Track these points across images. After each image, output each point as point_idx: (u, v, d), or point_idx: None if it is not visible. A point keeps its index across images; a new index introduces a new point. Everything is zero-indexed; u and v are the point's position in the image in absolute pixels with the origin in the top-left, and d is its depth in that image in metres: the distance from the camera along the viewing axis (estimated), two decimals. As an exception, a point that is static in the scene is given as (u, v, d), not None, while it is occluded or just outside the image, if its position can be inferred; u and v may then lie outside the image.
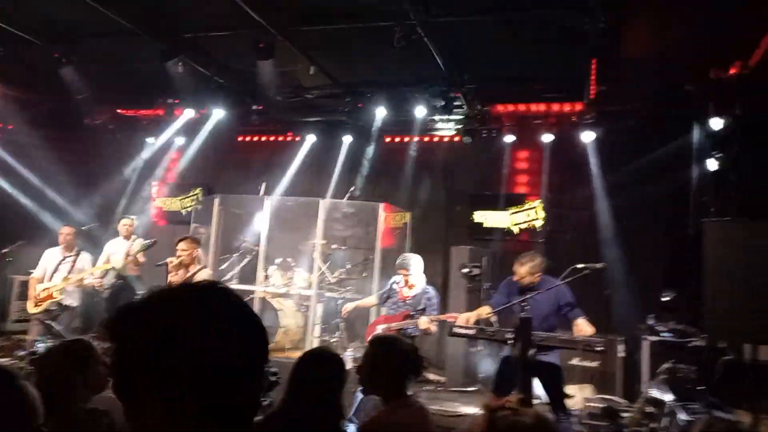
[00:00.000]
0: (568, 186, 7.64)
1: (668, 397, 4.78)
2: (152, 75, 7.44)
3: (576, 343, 4.15)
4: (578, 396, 6.41)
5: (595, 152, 7.31)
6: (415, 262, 5.50)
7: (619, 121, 6.87)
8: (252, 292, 7.32)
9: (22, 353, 5.62)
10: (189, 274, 5.59)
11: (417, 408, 2.70)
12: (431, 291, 5.60)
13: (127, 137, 9.18)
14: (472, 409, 6.01)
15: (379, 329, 5.50)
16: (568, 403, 5.66)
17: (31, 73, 7.59)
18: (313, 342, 6.93)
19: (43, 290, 6.15)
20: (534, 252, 4.93)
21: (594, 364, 6.67)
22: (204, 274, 5.58)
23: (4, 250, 6.49)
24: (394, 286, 5.62)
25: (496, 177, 8.00)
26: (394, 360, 2.72)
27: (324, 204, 7.26)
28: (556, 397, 4.84)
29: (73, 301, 6.31)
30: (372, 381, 2.80)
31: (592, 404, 5.85)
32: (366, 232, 7.30)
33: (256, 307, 7.03)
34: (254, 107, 7.86)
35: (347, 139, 8.24)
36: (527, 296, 4.56)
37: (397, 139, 8.48)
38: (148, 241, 7.08)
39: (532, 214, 7.79)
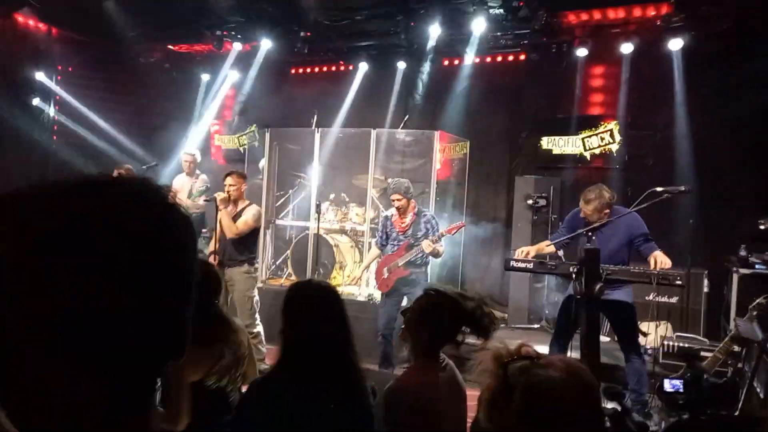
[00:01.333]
0: (650, 105, 6.77)
1: (760, 334, 4.19)
2: (197, 6, 7.20)
3: (651, 277, 3.63)
4: (654, 334, 5.91)
5: (682, 64, 6.37)
6: (407, 186, 5.19)
7: (712, 25, 5.88)
8: (306, 228, 7.17)
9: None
10: (238, 209, 5.48)
11: (449, 372, 2.37)
12: (428, 213, 5.37)
13: (183, 74, 9.09)
14: (536, 347, 5.65)
15: (386, 272, 5.30)
16: (642, 341, 5.20)
17: (81, 15, 7.53)
18: (369, 280, 6.74)
19: None
20: (601, 185, 4.36)
21: (673, 300, 6.09)
22: (253, 210, 5.45)
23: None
24: (388, 224, 5.38)
25: (566, 98, 7.23)
26: (448, 320, 2.39)
27: (376, 134, 6.85)
28: (628, 336, 4.41)
29: None
30: (414, 335, 2.45)
31: (669, 343, 5.32)
32: (422, 163, 6.87)
33: (311, 243, 6.90)
34: (302, 34, 7.42)
35: (401, 65, 7.69)
36: (591, 227, 4.05)
37: (455, 62, 7.82)
38: (204, 188, 7.08)
39: (607, 138, 7.03)
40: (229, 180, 5.47)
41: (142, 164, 8.42)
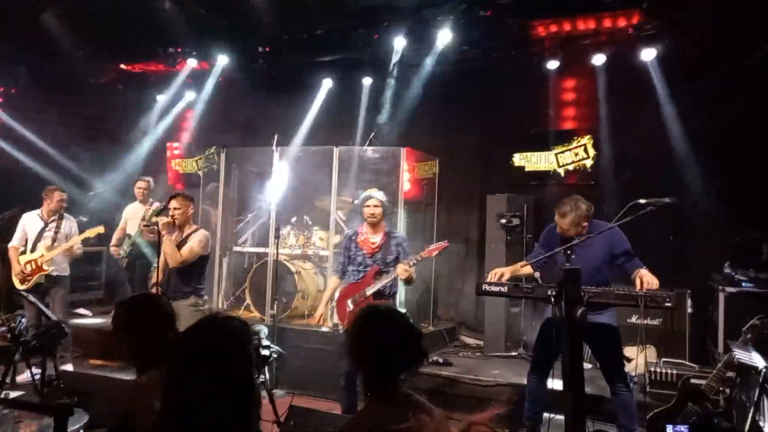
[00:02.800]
0: (626, 117, 6.48)
1: (760, 362, 3.81)
2: (148, 22, 6.77)
3: (638, 299, 3.22)
4: (638, 360, 5.52)
5: (658, 73, 6.13)
6: (386, 203, 4.63)
7: (686, 31, 5.66)
8: (266, 254, 6.65)
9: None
10: (184, 235, 4.96)
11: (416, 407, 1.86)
12: (399, 234, 4.70)
13: (136, 95, 8.60)
14: (513, 378, 5.21)
15: (350, 304, 4.53)
16: (627, 369, 4.79)
17: (22, 31, 7.02)
18: (333, 308, 6.23)
19: (29, 263, 5.55)
20: (576, 197, 3.98)
21: (656, 322, 5.74)
22: (199, 236, 4.92)
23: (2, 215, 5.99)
24: (352, 245, 4.61)
25: (538, 112, 6.93)
26: (385, 339, 1.99)
27: (339, 152, 6.41)
28: (613, 364, 3.98)
29: (62, 270, 5.71)
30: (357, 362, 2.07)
31: (657, 369, 4.93)
32: (390, 182, 6.45)
33: (270, 271, 6.38)
34: (260, 49, 7.03)
35: (366, 81, 7.34)
36: (572, 243, 3.65)
37: (423, 76, 7.47)
38: (159, 205, 6.52)
39: (581, 153, 6.74)
40: (173, 203, 4.95)
41: (89, 191, 7.89)
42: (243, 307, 6.84)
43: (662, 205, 3.51)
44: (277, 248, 6.01)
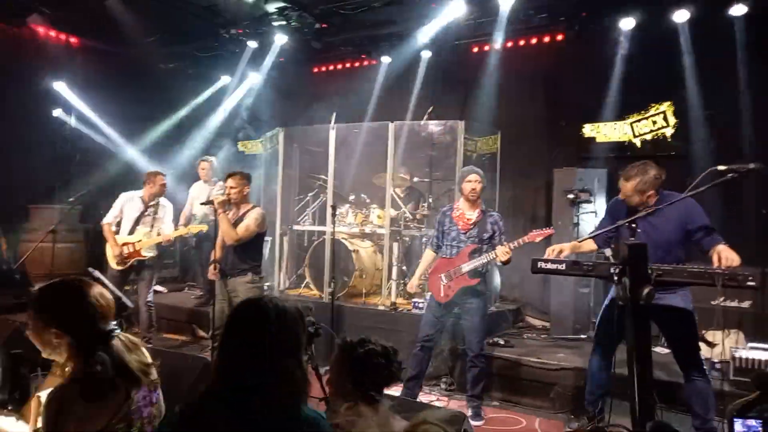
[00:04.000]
0: (710, 81, 5.86)
1: None
2: (208, 5, 6.88)
3: (714, 277, 2.86)
4: (722, 345, 5.02)
5: (744, 32, 5.47)
6: (483, 174, 4.48)
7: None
8: (324, 233, 6.63)
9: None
10: (240, 213, 5.01)
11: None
12: (495, 213, 4.55)
13: (203, 78, 8.81)
14: (580, 362, 4.90)
15: (444, 279, 4.46)
16: (707, 353, 4.37)
17: (94, 21, 7.35)
18: (392, 286, 6.14)
19: (126, 245, 5.56)
20: (647, 161, 3.61)
21: (744, 305, 5.17)
22: (255, 213, 4.95)
23: (70, 199, 6.27)
24: (446, 220, 4.54)
25: (609, 79, 6.40)
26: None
27: (395, 128, 6.23)
28: (686, 350, 3.61)
29: (152, 252, 5.75)
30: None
31: (742, 355, 4.45)
32: (447, 157, 6.21)
33: (327, 249, 6.35)
34: (317, 26, 6.95)
35: (425, 54, 7.08)
36: (636, 216, 3.31)
37: (485, 47, 7.15)
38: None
39: (659, 121, 6.18)
40: (230, 181, 5.01)
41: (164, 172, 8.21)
42: (303, 285, 6.89)
43: (746, 172, 3.07)
44: (334, 226, 5.95)
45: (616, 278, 3.02)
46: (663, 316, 3.47)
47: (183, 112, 8.90)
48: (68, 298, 1.94)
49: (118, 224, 5.76)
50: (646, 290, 2.92)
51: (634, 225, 3.14)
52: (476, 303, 4.43)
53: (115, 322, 1.99)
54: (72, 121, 8.39)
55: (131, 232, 5.66)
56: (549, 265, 3.41)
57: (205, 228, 5.86)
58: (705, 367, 3.64)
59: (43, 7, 6.79)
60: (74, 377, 1.85)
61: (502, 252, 4.19)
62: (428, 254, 4.76)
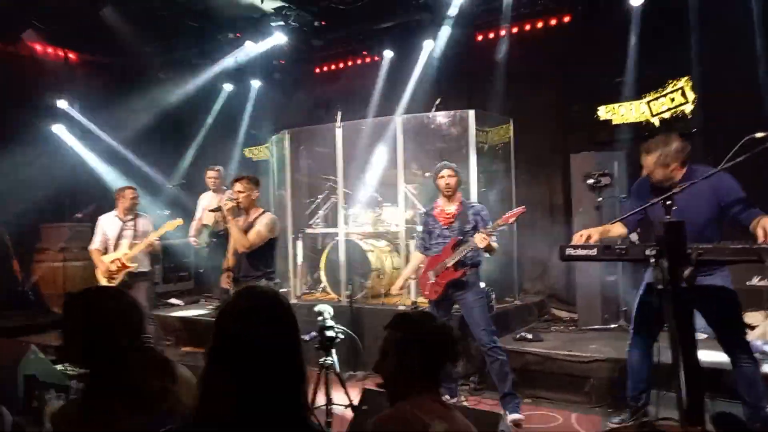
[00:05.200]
0: (728, 53, 5.62)
1: None
2: (203, 9, 6.76)
3: (761, 253, 2.64)
4: (764, 326, 4.79)
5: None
6: (458, 167, 4.49)
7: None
8: (338, 234, 6.45)
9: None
10: (250, 219, 4.86)
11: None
12: (476, 204, 4.53)
13: (204, 84, 8.69)
14: (613, 352, 4.69)
15: (432, 276, 4.41)
16: (749, 336, 4.13)
17: (90, 34, 7.26)
18: (411, 284, 5.95)
19: (113, 261, 5.64)
20: (670, 134, 3.41)
21: (784, 283, 4.93)
22: (266, 219, 4.80)
23: (77, 215, 6.19)
24: (429, 220, 4.53)
25: (622, 58, 6.17)
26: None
27: (401, 121, 6.05)
28: (732, 332, 3.40)
29: (144, 266, 5.78)
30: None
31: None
32: (458, 149, 6.03)
33: (341, 250, 6.18)
34: (317, 24, 6.79)
35: (428, 44, 6.90)
36: (669, 193, 3.09)
37: (490, 34, 6.96)
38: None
39: (678, 98, 5.94)
40: (237, 186, 4.86)
41: (167, 184, 8.12)
42: (320, 289, 6.73)
43: (787, 139, 2.86)
44: (347, 228, 5.79)
45: (653, 260, 2.85)
46: (703, 299, 3.24)
47: (187, 122, 8.79)
48: (72, 308, 1.84)
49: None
50: (687, 271, 2.72)
51: (669, 202, 2.92)
52: (470, 296, 4.34)
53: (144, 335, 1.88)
54: (74, 137, 8.31)
55: (115, 249, 5.71)
56: (579, 251, 3.20)
57: (181, 222, 5.87)
58: (752, 351, 3.41)
59: (37, 21, 6.68)
60: (79, 395, 1.72)
61: (479, 239, 4.10)
62: (415, 256, 4.75)
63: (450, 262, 4.29)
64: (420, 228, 4.71)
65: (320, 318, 3.51)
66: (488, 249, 4.21)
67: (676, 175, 3.33)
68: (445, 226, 4.41)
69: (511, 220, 4.15)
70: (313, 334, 3.46)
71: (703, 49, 5.74)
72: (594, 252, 3.11)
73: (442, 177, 4.41)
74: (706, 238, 3.21)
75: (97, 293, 1.97)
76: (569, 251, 3.20)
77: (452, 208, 4.43)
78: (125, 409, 1.68)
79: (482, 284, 4.62)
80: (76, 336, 1.79)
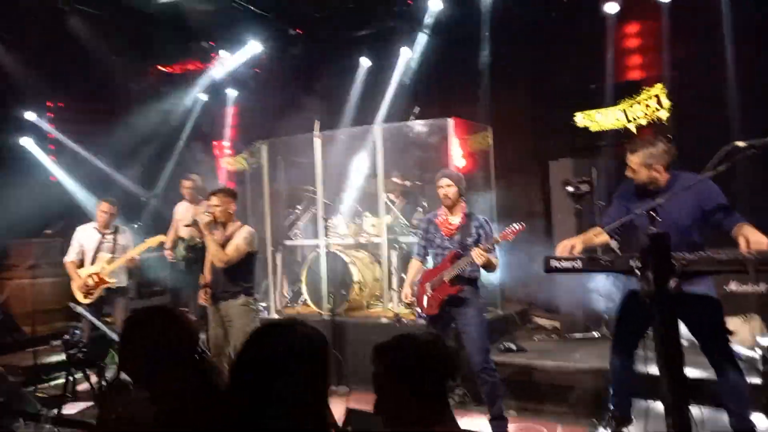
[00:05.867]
0: (700, 58, 5.70)
1: None
2: (175, 19, 6.61)
3: (747, 263, 2.63)
4: (743, 332, 4.83)
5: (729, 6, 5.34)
6: (460, 176, 4.31)
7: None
8: (318, 246, 6.35)
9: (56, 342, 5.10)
10: (227, 233, 4.73)
11: None
12: (480, 217, 4.32)
13: (178, 96, 8.52)
14: (597, 362, 4.68)
15: (429, 289, 4.25)
16: (733, 344, 4.14)
17: (56, 45, 7.04)
18: (393, 296, 5.88)
19: (90, 276, 5.46)
20: (655, 135, 3.41)
21: (761, 287, 4.98)
22: (244, 233, 4.68)
23: (46, 231, 5.99)
24: (431, 227, 4.36)
25: (597, 64, 6.22)
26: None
27: (380, 130, 5.99)
28: (715, 340, 3.38)
29: (121, 281, 5.62)
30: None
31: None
32: (437, 158, 5.99)
33: (323, 261, 6.08)
34: (292, 32, 6.71)
35: (405, 51, 6.86)
36: (654, 204, 3.09)
37: (464, 39, 6.91)
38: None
39: (653, 104, 6.00)
40: (213, 200, 4.74)
41: (141, 196, 7.91)
42: (301, 302, 6.61)
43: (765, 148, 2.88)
44: (327, 239, 5.70)
45: (638, 272, 2.83)
46: (687, 307, 3.23)
47: (162, 133, 8.60)
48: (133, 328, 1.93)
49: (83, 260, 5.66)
50: (673, 283, 2.70)
51: (653, 212, 2.91)
52: (469, 311, 4.17)
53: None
54: (42, 151, 8.06)
55: (93, 262, 5.54)
56: (563, 264, 3.14)
57: (163, 238, 5.78)
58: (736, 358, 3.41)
59: (2, 32, 6.44)
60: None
61: (476, 254, 3.93)
62: (414, 264, 4.53)
63: (447, 276, 4.12)
64: (419, 234, 4.51)
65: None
66: (487, 265, 4.05)
67: (660, 179, 3.32)
68: (447, 237, 4.24)
69: (511, 237, 4.02)
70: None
71: (676, 57, 5.81)
72: (579, 264, 3.07)
73: (440, 187, 4.21)
74: (689, 243, 3.21)
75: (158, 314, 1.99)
76: (554, 263, 3.15)
77: (456, 219, 4.23)
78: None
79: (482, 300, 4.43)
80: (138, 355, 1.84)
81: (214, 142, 8.88)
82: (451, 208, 4.26)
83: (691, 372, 4.10)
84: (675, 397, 2.69)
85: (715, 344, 3.37)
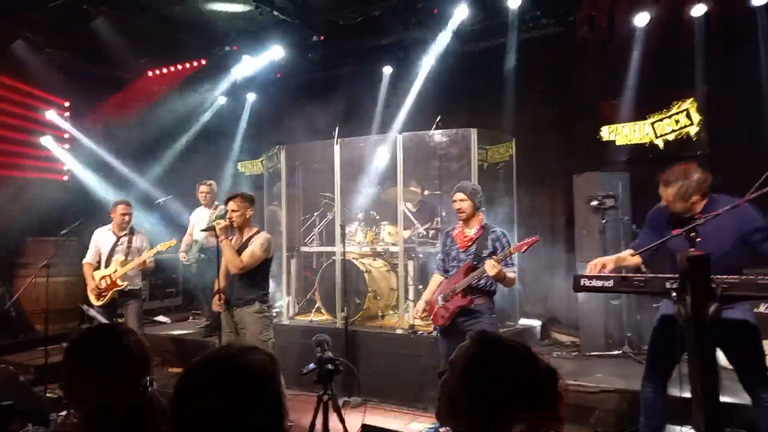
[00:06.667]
0: (734, 71, 5.53)
1: None
2: (200, 22, 6.60)
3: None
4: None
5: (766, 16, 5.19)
6: (475, 188, 4.23)
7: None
8: (334, 253, 6.24)
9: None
10: (244, 239, 4.65)
11: None
12: (498, 229, 4.23)
13: (197, 98, 8.51)
14: (620, 382, 4.52)
15: (440, 300, 4.18)
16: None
17: (80, 44, 7.06)
18: (409, 306, 5.76)
19: (103, 278, 5.43)
20: (689, 165, 3.28)
21: (797, 311, 4.79)
22: (261, 238, 4.60)
23: (62, 232, 5.96)
24: (448, 240, 4.32)
25: (625, 78, 6.08)
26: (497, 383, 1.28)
27: (401, 138, 5.89)
28: (754, 368, 3.22)
29: (135, 284, 5.58)
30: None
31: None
32: (459, 168, 5.88)
33: (338, 270, 5.98)
34: (315, 39, 6.66)
35: (428, 60, 6.77)
36: (694, 224, 2.94)
37: (490, 50, 6.83)
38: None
39: (682, 119, 5.84)
40: (231, 205, 4.67)
41: (155, 200, 7.89)
42: (314, 310, 6.51)
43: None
44: (344, 246, 5.60)
45: (674, 295, 2.70)
46: (723, 333, 3.07)
47: (179, 135, 8.58)
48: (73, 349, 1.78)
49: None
50: (712, 308, 2.57)
51: (693, 234, 2.77)
52: (481, 325, 4.03)
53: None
54: (65, 150, 8.08)
55: (107, 265, 5.52)
56: (594, 282, 3.03)
57: (174, 242, 5.67)
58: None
59: (27, 32, 6.49)
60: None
61: (489, 266, 3.84)
62: (435, 278, 4.45)
63: (459, 288, 4.06)
64: (440, 248, 4.46)
65: (319, 350, 3.31)
66: (500, 278, 3.94)
67: (697, 207, 3.18)
68: (462, 249, 4.18)
69: (524, 249, 3.92)
70: (312, 366, 3.25)
71: (708, 70, 5.65)
72: (610, 283, 2.96)
73: (454, 201, 4.19)
74: (727, 267, 3.06)
75: (99, 333, 1.85)
76: (584, 282, 3.04)
77: (472, 231, 4.18)
78: None
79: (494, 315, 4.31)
80: (74, 377, 1.71)
81: (231, 145, 8.84)
82: (466, 221, 4.21)
83: (723, 396, 3.93)
84: (708, 424, 2.57)
85: (754, 373, 3.21)
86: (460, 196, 4.15)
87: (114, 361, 1.68)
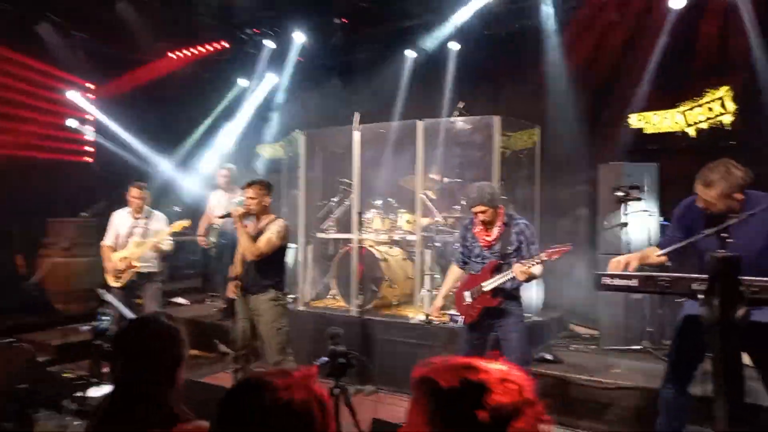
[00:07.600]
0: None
1: None
2: (223, 4, 6.52)
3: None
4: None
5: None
6: (492, 192, 4.01)
7: None
8: (350, 240, 6.18)
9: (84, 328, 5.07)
10: (260, 226, 4.61)
11: None
12: (521, 220, 4.06)
13: (219, 80, 8.48)
14: (639, 379, 4.40)
15: (468, 297, 4.08)
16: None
17: (103, 26, 7.05)
18: (423, 297, 5.68)
19: (121, 260, 5.46)
20: (727, 161, 3.10)
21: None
22: (277, 226, 4.55)
23: (83, 213, 6.00)
24: (468, 235, 4.17)
25: (656, 63, 5.82)
26: None
27: (423, 126, 5.77)
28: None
29: (152, 266, 5.60)
30: None
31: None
32: (481, 156, 5.74)
33: (354, 258, 5.92)
34: (337, 21, 6.53)
35: (453, 45, 6.59)
36: (726, 223, 2.79)
37: (514, 34, 6.62)
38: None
39: (716, 108, 5.59)
40: (249, 192, 4.63)
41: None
42: (330, 296, 6.48)
43: None
44: (360, 234, 5.53)
45: (702, 296, 2.57)
46: (752, 336, 2.93)
47: (201, 118, 8.59)
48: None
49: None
50: (741, 311, 2.43)
51: (725, 234, 2.63)
52: (510, 321, 4.00)
53: None
54: (88, 132, 8.13)
55: (125, 247, 5.53)
56: (617, 281, 2.89)
57: (188, 223, 5.66)
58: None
59: (52, 14, 6.49)
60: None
61: (518, 271, 3.76)
62: (453, 270, 4.37)
63: (487, 287, 3.95)
64: (459, 240, 4.31)
65: (331, 342, 3.26)
66: (528, 279, 3.88)
67: (737, 206, 3.02)
68: (486, 248, 4.05)
69: (555, 257, 3.78)
70: (324, 359, 3.20)
71: (746, 54, 5.38)
72: (634, 283, 2.81)
73: (476, 214, 4.03)
74: (758, 268, 2.91)
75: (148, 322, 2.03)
76: (606, 280, 2.90)
77: (494, 231, 4.04)
78: None
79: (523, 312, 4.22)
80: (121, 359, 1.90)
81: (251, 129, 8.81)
82: (490, 224, 4.06)
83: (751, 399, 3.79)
84: (731, 428, 2.47)
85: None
86: (480, 208, 3.97)
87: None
